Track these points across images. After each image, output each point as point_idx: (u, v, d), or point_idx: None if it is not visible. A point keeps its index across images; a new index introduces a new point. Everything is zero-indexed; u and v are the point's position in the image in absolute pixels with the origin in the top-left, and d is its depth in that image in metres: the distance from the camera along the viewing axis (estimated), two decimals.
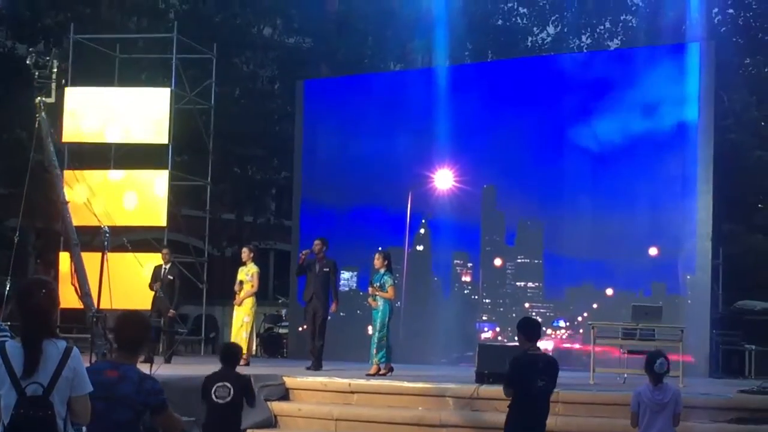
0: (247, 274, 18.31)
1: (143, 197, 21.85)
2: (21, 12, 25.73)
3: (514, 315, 18.98)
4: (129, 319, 6.53)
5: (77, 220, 17.63)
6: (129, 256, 19.09)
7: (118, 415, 6.07)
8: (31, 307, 5.67)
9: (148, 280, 19.01)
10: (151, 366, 11.28)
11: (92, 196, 21.36)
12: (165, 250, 19.58)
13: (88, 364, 7.34)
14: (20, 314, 5.70)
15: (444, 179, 20.95)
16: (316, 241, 17.62)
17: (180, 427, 6.43)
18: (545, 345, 18.48)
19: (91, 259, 16.34)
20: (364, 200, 21.54)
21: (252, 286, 18.22)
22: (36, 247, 25.59)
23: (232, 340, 18.08)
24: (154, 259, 19.80)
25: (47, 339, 5.66)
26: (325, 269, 17.39)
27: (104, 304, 15.00)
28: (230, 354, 10.90)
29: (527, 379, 9.40)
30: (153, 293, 18.74)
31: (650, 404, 9.41)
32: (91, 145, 22.96)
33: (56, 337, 5.75)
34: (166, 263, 19.11)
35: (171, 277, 18.90)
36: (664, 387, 9.54)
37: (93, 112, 21.97)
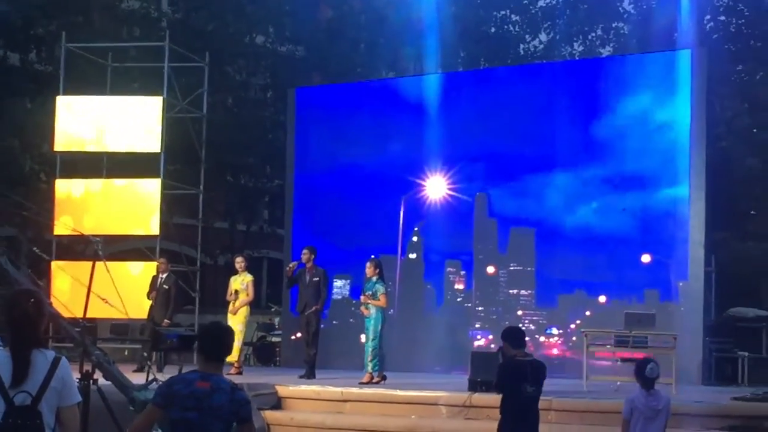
0: (242, 283, 18.30)
1: (136, 206, 21.82)
2: (13, 20, 25.71)
3: (507, 322, 18.90)
4: (214, 330, 6.50)
5: (69, 229, 17.59)
6: (120, 265, 19.08)
7: (212, 426, 6.04)
8: (19, 317, 5.64)
9: (141, 290, 19.07)
10: (147, 373, 11.26)
11: (84, 206, 21.44)
12: (161, 260, 19.74)
13: (78, 375, 7.32)
14: (8, 324, 5.67)
15: (436, 187, 20.94)
16: (304, 251, 17.61)
17: None
18: (538, 353, 18.54)
19: (83, 269, 16.28)
20: (356, 208, 21.51)
21: (247, 295, 18.23)
22: (27, 257, 25.56)
23: None
24: (147, 268, 19.82)
25: (35, 349, 5.63)
26: (315, 279, 17.36)
27: (103, 314, 14.96)
28: None
29: (515, 384, 9.42)
30: (150, 303, 18.89)
31: (645, 411, 9.27)
32: (84, 154, 22.93)
33: (44, 346, 5.72)
34: (162, 273, 19.21)
35: (167, 287, 19.01)
36: (657, 393, 9.45)
37: (85, 120, 21.96)
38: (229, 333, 6.50)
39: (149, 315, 18.95)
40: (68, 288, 18.77)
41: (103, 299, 12.37)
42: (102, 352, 10.21)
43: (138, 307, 18.52)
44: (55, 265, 21.17)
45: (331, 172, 22.04)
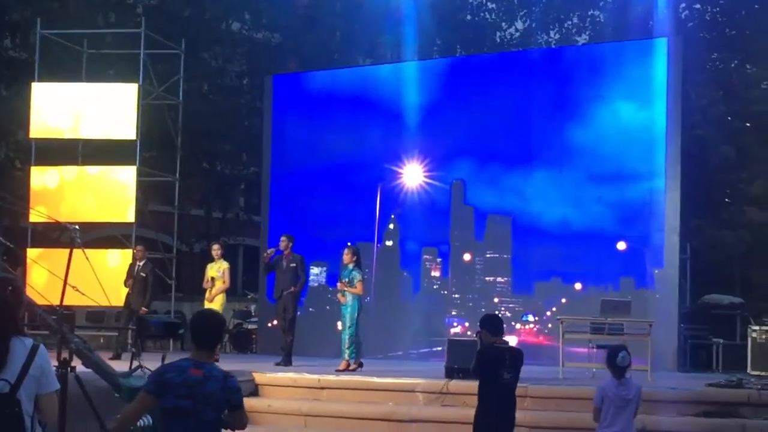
0: (218, 270, 18.31)
1: (111, 193, 21.76)
2: None
3: (483, 310, 18.87)
4: (207, 317, 6.57)
5: (44, 217, 17.53)
6: (96, 253, 19.03)
7: (205, 414, 6.09)
8: None
9: (117, 278, 19.05)
10: (131, 360, 11.25)
11: (60, 193, 21.37)
12: (139, 247, 19.74)
13: (55, 363, 7.31)
14: None
15: (413, 174, 20.95)
16: (282, 238, 17.72)
17: (246, 422, 6.45)
18: (512, 339, 18.60)
19: (59, 256, 16.24)
20: (333, 195, 21.51)
21: (224, 282, 18.24)
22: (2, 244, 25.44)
23: None
24: (124, 258, 19.82)
25: (14, 336, 5.62)
26: (291, 265, 17.44)
27: (80, 301, 14.91)
28: None
29: (493, 371, 9.45)
30: (126, 290, 18.88)
31: (615, 400, 9.20)
32: (59, 141, 22.84)
33: (23, 334, 5.71)
34: (139, 260, 19.20)
35: (144, 274, 19.00)
36: (628, 382, 9.42)
37: (60, 107, 21.87)
38: (221, 321, 6.56)
39: (126, 302, 18.95)
40: (44, 276, 18.71)
41: (73, 287, 12.35)
42: (81, 340, 10.20)
43: (115, 294, 18.48)
44: (31, 252, 21.10)
45: (307, 159, 22.02)
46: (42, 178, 21.87)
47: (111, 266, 20.45)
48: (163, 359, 8.19)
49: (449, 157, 20.71)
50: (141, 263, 19.22)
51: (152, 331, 15.63)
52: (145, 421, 7.27)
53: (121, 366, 11.36)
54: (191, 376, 6.10)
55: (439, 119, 20.81)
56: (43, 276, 18.29)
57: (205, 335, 6.33)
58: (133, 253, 19.86)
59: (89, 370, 9.90)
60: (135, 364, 10.79)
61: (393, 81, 21.64)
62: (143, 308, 18.62)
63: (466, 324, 20.05)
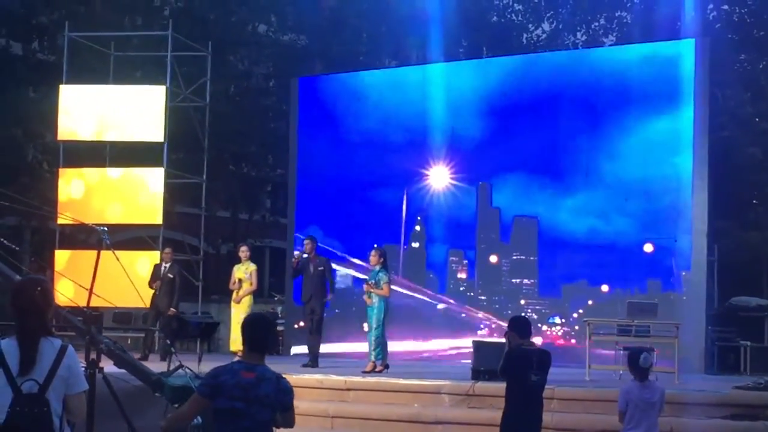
0: (246, 272, 18.33)
1: (139, 195, 21.85)
2: (15, 10, 25.71)
3: (509, 312, 18.97)
4: (259, 321, 6.66)
5: (72, 219, 17.59)
6: (124, 255, 19.09)
7: (259, 415, 6.21)
8: (27, 305, 5.66)
9: (145, 278, 19.08)
10: (168, 359, 11.30)
11: (88, 195, 21.45)
12: (167, 250, 19.76)
13: (83, 363, 7.35)
14: (16, 312, 5.69)
15: (439, 176, 20.95)
16: (306, 241, 17.71)
17: (294, 421, 6.53)
18: (539, 341, 18.56)
19: (87, 258, 16.30)
20: (359, 197, 21.54)
21: (251, 284, 18.27)
22: (31, 246, 25.59)
23: (232, 337, 18.09)
24: (151, 257, 19.88)
25: (43, 337, 5.66)
26: (319, 268, 17.40)
27: (107, 302, 14.97)
28: None
29: (521, 373, 9.41)
30: (153, 292, 18.89)
31: (640, 403, 9.17)
32: (87, 143, 22.96)
33: (51, 335, 5.75)
34: (166, 262, 19.25)
35: (171, 276, 19.04)
36: (652, 385, 9.40)
37: (88, 110, 21.99)
38: (273, 325, 6.67)
39: (152, 304, 18.97)
40: (71, 276, 18.79)
41: (93, 293, 12.33)
42: (111, 341, 10.25)
43: (143, 296, 18.54)
44: (59, 255, 21.22)
45: (333, 161, 22.06)
46: (69, 180, 21.97)
47: (140, 273, 20.44)
48: (199, 360, 8.25)
49: (475, 159, 20.69)
50: (167, 265, 19.28)
51: (190, 332, 15.67)
52: (196, 420, 7.35)
53: (149, 366, 11.39)
54: (243, 378, 6.21)
55: (466, 121, 20.81)
56: (70, 276, 18.39)
57: (257, 339, 6.46)
58: (161, 255, 19.92)
59: (120, 370, 9.94)
60: (175, 363, 10.85)
61: (419, 83, 21.63)
62: (172, 309, 18.69)
63: (493, 326, 20.03)
